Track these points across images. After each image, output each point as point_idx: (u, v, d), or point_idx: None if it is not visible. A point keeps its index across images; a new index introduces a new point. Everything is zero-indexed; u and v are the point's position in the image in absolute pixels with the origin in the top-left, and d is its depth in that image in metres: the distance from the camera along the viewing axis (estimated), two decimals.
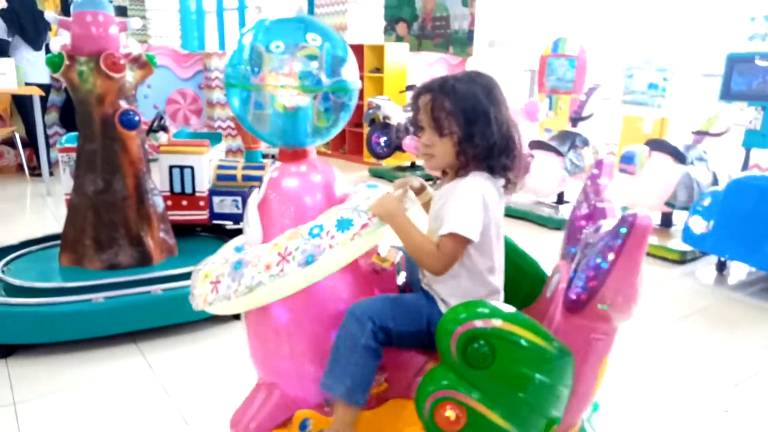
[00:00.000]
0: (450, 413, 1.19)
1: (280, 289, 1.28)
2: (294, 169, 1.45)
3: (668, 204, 3.89)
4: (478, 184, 1.28)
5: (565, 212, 4.57)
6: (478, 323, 1.15)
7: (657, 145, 3.99)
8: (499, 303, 1.25)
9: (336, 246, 1.25)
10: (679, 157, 3.90)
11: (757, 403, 2.21)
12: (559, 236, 1.67)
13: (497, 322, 1.15)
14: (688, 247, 3.65)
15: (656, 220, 4.23)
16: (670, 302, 3.22)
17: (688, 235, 3.50)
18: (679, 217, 4.00)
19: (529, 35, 7.37)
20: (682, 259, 3.72)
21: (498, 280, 1.35)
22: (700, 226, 3.43)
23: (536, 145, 4.56)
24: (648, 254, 3.76)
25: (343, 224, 1.28)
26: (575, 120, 4.84)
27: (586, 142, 4.68)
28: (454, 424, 1.20)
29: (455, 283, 1.31)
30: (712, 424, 2.08)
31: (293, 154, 1.46)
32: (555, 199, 4.82)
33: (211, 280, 1.32)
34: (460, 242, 1.25)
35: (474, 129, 1.27)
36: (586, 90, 4.99)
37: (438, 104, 1.29)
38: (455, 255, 1.26)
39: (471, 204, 1.25)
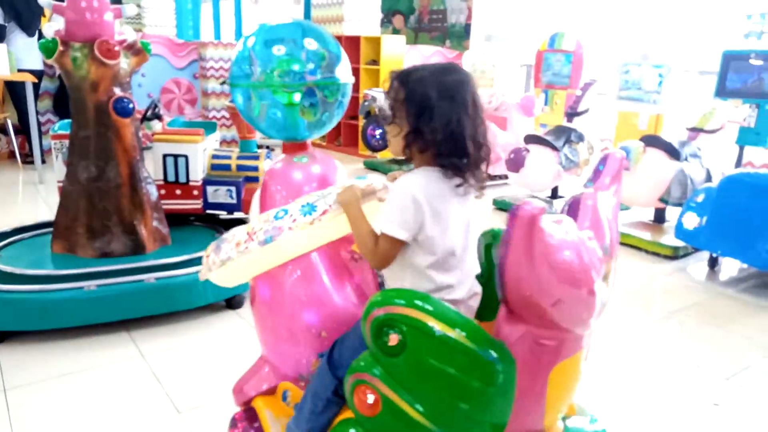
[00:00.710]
0: (367, 397, 1.18)
1: (246, 264, 1.38)
2: (295, 159, 1.56)
3: (662, 200, 3.90)
4: (410, 183, 1.25)
5: (559, 207, 4.58)
6: (392, 309, 1.13)
7: (652, 141, 4.01)
8: (451, 294, 1.28)
9: (295, 229, 1.33)
10: (674, 153, 3.92)
11: (747, 397, 2.23)
12: None
13: (410, 311, 1.12)
14: (680, 243, 3.66)
15: (650, 215, 4.25)
16: (662, 297, 3.24)
17: (680, 230, 3.52)
18: (672, 213, 4.01)
19: (525, 30, 7.37)
20: (675, 254, 3.74)
21: (448, 276, 1.31)
22: (693, 222, 3.44)
23: (531, 139, 4.57)
24: (641, 249, 3.81)
25: (307, 209, 1.36)
26: (571, 115, 4.84)
27: (581, 138, 4.69)
28: (370, 409, 1.19)
29: (401, 279, 1.32)
30: (703, 417, 2.09)
31: (294, 146, 1.58)
32: (549, 193, 4.83)
33: (207, 254, 1.44)
34: (390, 241, 1.25)
35: (419, 123, 1.24)
36: (582, 85, 4.99)
37: (394, 92, 1.29)
38: (388, 253, 1.27)
39: (399, 204, 1.24)
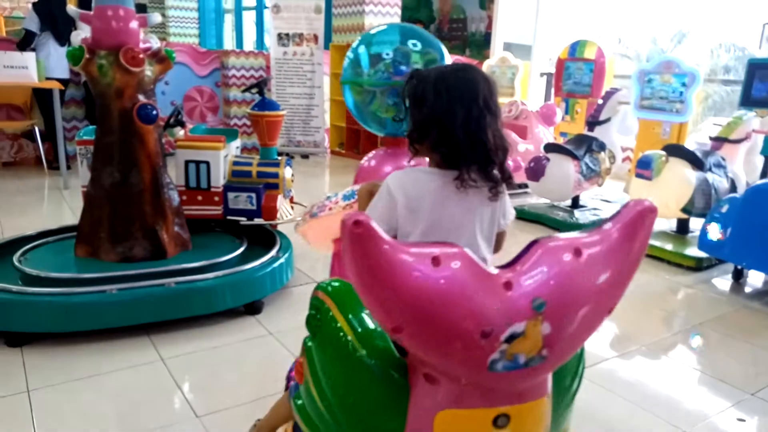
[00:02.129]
0: (300, 363, 1.24)
1: (309, 226, 1.82)
2: (390, 152, 1.89)
3: (685, 210, 3.84)
4: (392, 178, 1.27)
5: (580, 216, 4.53)
6: (319, 293, 1.19)
7: (675, 150, 3.95)
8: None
9: (334, 209, 1.66)
10: (697, 163, 3.86)
11: None
12: None
13: (326, 298, 1.17)
14: (704, 254, 3.60)
15: (672, 226, 4.18)
16: (685, 309, 3.18)
17: (704, 242, 3.46)
18: (695, 224, 3.94)
19: (546, 38, 7.34)
20: (698, 266, 3.67)
21: None
22: (716, 233, 3.38)
23: (552, 148, 4.54)
24: (663, 260, 3.75)
25: (348, 196, 1.64)
26: (592, 124, 4.80)
27: (602, 147, 4.65)
28: (298, 377, 1.25)
29: None
30: None
31: (393, 141, 1.88)
32: (569, 202, 4.79)
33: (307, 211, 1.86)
34: None
35: (416, 118, 1.27)
36: (603, 94, 4.95)
37: (404, 91, 1.33)
38: None
39: (377, 200, 1.29)
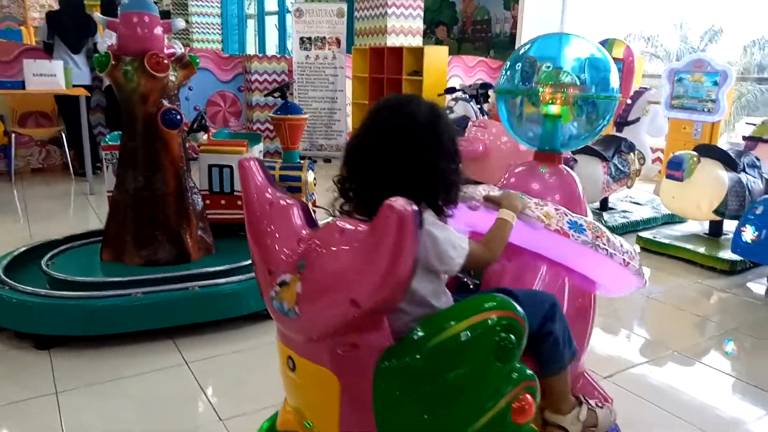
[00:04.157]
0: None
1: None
2: (541, 170, 1.70)
3: (717, 212, 3.73)
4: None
5: (608, 218, 4.44)
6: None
7: (706, 150, 3.84)
8: None
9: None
10: (730, 163, 3.75)
11: None
12: None
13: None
14: (738, 257, 3.49)
15: (705, 228, 4.07)
16: (719, 314, 3.08)
17: (738, 244, 3.35)
18: (729, 227, 3.83)
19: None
20: (732, 269, 3.56)
21: None
22: (751, 235, 3.27)
23: (580, 149, 4.45)
24: (696, 264, 3.65)
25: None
26: (620, 124, 4.71)
27: (631, 148, 4.55)
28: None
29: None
30: None
31: (546, 156, 1.70)
32: (598, 205, 4.69)
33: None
34: None
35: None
36: (632, 93, 4.85)
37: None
38: None
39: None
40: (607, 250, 1.42)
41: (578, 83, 1.60)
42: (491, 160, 5.00)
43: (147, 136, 2.67)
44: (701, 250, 3.72)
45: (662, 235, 4.04)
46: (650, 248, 3.88)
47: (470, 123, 5.54)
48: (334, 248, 1.10)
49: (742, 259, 3.49)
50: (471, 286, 1.61)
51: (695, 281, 3.47)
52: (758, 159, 3.90)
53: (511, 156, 4.81)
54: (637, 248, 1.57)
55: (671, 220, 4.51)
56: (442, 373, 1.11)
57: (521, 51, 1.70)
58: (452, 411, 1.13)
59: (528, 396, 1.18)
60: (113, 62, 2.62)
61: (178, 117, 2.71)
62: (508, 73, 1.70)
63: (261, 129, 6.84)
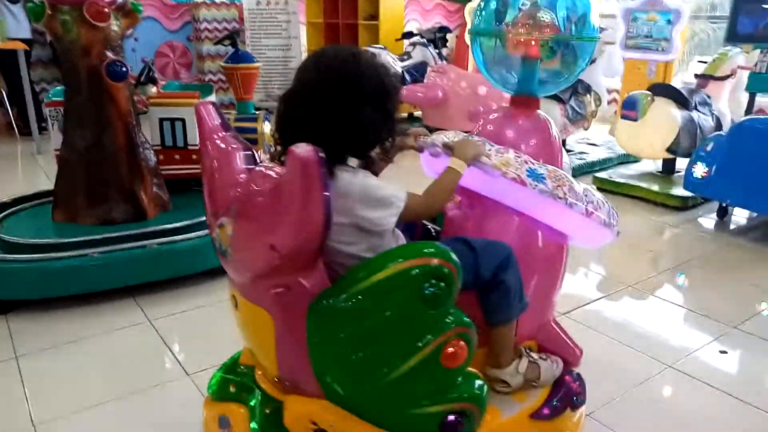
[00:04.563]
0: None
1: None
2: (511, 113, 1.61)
3: (670, 150, 3.83)
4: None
5: (566, 160, 4.50)
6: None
7: (660, 89, 3.91)
8: None
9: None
10: (683, 101, 3.82)
11: (754, 345, 2.22)
12: None
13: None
14: (690, 194, 3.61)
15: (659, 166, 4.18)
16: (672, 249, 3.21)
17: (690, 181, 3.46)
18: (681, 164, 3.94)
19: None
20: (684, 205, 3.69)
21: None
22: (702, 171, 3.38)
23: None
24: (650, 201, 3.76)
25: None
26: None
27: (588, 89, 4.58)
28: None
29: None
30: (710, 364, 2.09)
31: (523, 101, 1.59)
32: None
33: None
34: None
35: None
36: None
37: None
38: None
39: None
40: (566, 199, 1.36)
41: (556, 23, 1.48)
42: (450, 106, 5.00)
43: (92, 91, 2.55)
44: (655, 187, 3.83)
45: (617, 174, 4.14)
46: (606, 188, 3.97)
47: (429, 68, 5.49)
48: (255, 195, 1.16)
49: (693, 195, 3.61)
50: (433, 234, 1.61)
51: (649, 218, 3.59)
52: (709, 97, 3.99)
53: (471, 101, 4.83)
54: (595, 190, 1.52)
55: (626, 160, 4.61)
56: (369, 316, 1.14)
57: None
58: (380, 351, 1.16)
59: (461, 342, 1.19)
60: (49, 12, 2.47)
61: (124, 69, 2.59)
62: (483, 12, 1.57)
63: (213, 80, 6.61)
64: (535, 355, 1.52)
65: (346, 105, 1.18)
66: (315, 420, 1.24)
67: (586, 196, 1.41)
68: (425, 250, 1.15)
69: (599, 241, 1.57)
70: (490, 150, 1.41)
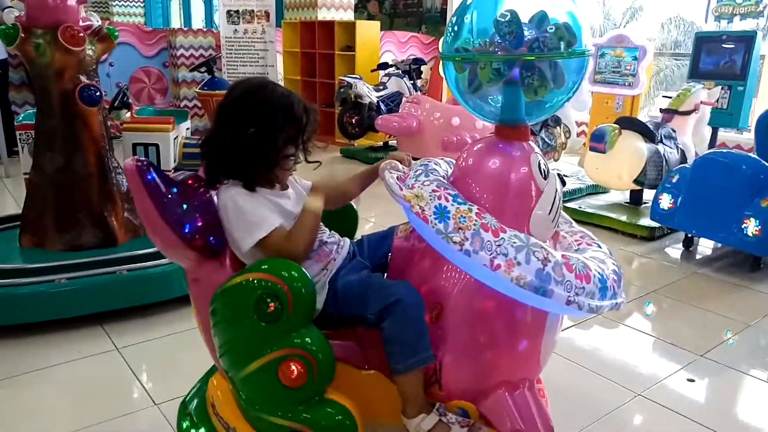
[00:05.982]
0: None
1: None
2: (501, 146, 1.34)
3: (637, 181, 3.93)
4: None
5: None
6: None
7: (627, 123, 4.02)
8: None
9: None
10: (649, 135, 3.94)
11: (721, 372, 2.26)
12: None
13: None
14: (657, 224, 3.70)
15: (626, 197, 4.28)
16: (639, 278, 3.27)
17: (656, 212, 3.55)
18: (648, 195, 4.04)
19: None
20: (651, 235, 3.77)
21: None
22: (668, 203, 3.47)
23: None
24: (618, 231, 3.84)
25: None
26: None
27: (557, 121, 4.70)
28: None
29: None
30: (678, 392, 2.12)
31: (510, 132, 1.33)
32: None
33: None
34: None
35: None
36: None
37: None
38: None
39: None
40: (462, 245, 1.15)
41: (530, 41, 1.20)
42: (425, 135, 5.06)
43: (64, 114, 2.53)
44: (623, 218, 3.92)
45: (587, 204, 4.23)
46: (576, 218, 3.98)
47: (404, 99, 5.57)
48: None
49: (660, 225, 3.70)
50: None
51: (618, 248, 3.66)
52: (674, 130, 4.13)
53: (444, 131, 4.90)
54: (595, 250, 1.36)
55: (595, 190, 4.71)
56: (220, 315, 1.30)
57: (468, 2, 1.31)
58: (232, 348, 1.30)
59: (295, 365, 1.22)
60: (22, 35, 2.45)
61: (98, 93, 2.58)
62: (453, 33, 1.31)
63: (189, 106, 6.60)
64: (453, 417, 1.34)
65: (238, 134, 1.31)
66: (212, 395, 1.49)
67: (513, 246, 1.14)
68: (263, 267, 1.26)
69: (563, 311, 1.31)
70: (421, 177, 1.28)
